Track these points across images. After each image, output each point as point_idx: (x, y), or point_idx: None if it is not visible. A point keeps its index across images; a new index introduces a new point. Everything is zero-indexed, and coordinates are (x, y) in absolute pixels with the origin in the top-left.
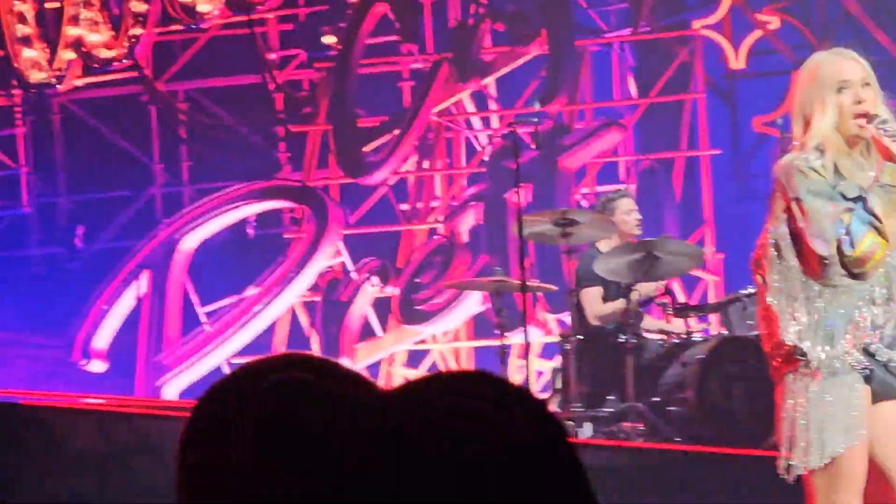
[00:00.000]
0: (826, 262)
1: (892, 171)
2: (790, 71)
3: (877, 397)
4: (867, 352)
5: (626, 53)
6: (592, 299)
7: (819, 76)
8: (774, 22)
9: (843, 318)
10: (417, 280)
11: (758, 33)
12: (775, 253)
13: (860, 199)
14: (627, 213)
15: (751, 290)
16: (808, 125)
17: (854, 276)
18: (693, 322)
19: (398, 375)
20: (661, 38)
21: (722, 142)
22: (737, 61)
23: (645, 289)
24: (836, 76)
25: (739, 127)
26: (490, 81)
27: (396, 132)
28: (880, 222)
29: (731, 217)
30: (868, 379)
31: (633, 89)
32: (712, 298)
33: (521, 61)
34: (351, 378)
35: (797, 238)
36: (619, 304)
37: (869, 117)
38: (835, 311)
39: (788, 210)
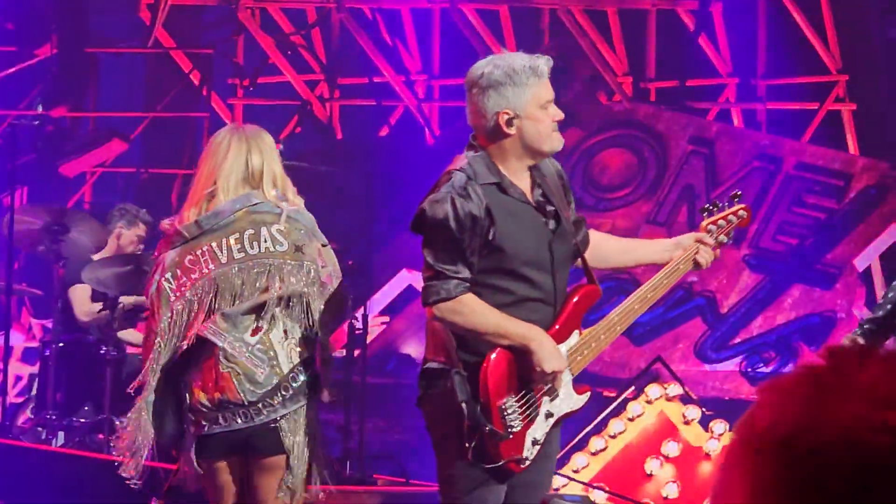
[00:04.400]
0: None
1: None
2: (298, 98)
3: None
4: None
5: (136, 66)
6: (82, 297)
7: None
8: (286, 49)
9: None
10: None
11: (268, 59)
12: None
13: None
14: (130, 228)
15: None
16: None
17: None
18: None
19: None
20: (173, 54)
21: None
22: (245, 84)
23: (130, 301)
24: None
25: None
26: None
27: None
28: None
29: None
30: None
31: (140, 102)
32: None
33: (29, 62)
34: None
35: None
36: (106, 312)
37: None
38: None
39: None
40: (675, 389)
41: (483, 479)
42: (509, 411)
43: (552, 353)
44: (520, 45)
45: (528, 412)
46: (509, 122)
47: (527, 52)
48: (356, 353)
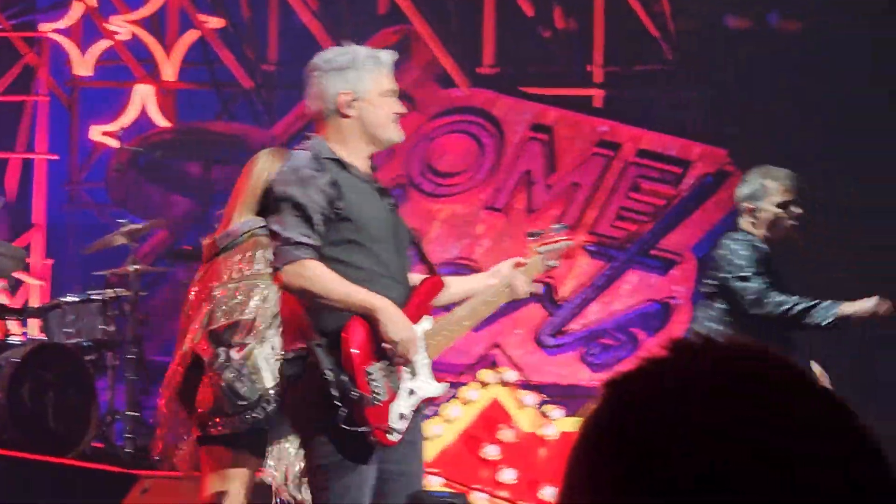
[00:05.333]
0: None
1: None
2: (134, 82)
3: None
4: None
5: None
6: None
7: None
8: (124, 33)
9: None
10: None
11: (106, 42)
12: None
13: None
14: None
15: (73, 297)
16: None
17: None
18: (12, 325)
19: None
20: (8, 38)
21: (59, 147)
22: (83, 68)
23: None
24: None
25: (78, 134)
26: None
27: None
28: None
29: (61, 223)
30: None
31: None
32: (35, 303)
33: None
34: None
35: None
36: None
37: None
38: None
39: None
40: (511, 375)
41: (353, 466)
42: (374, 376)
43: (399, 322)
44: (358, 30)
45: (391, 383)
46: (350, 104)
47: (365, 37)
48: None
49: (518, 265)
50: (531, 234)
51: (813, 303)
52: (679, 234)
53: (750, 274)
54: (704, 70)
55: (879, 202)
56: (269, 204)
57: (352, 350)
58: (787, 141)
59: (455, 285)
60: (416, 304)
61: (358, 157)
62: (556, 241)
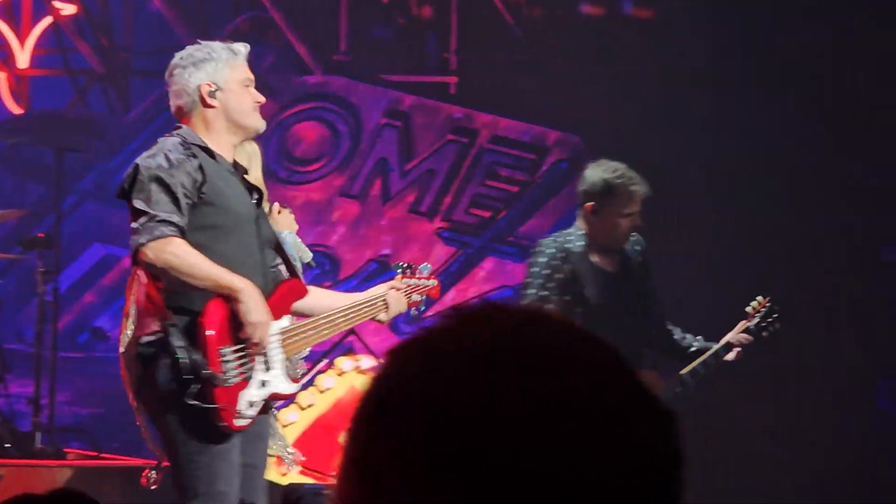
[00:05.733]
0: None
1: None
2: None
3: None
4: None
5: None
6: None
7: None
8: None
9: None
10: None
11: None
12: None
13: None
14: None
15: None
16: None
17: None
18: None
19: None
20: None
21: None
22: None
23: None
24: None
25: None
26: None
27: None
28: None
29: None
30: None
31: None
32: None
33: None
34: None
35: None
36: None
37: None
38: None
39: None
40: (368, 362)
41: (209, 445)
42: (227, 358)
43: (258, 305)
44: (213, 16)
45: (243, 369)
46: (212, 94)
47: (220, 24)
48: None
49: (393, 288)
50: (399, 268)
51: None
52: (535, 220)
53: (532, 294)
54: (559, 57)
55: (728, 189)
56: (134, 184)
57: (207, 329)
58: (639, 127)
59: (318, 296)
60: (274, 300)
61: (223, 147)
62: (422, 279)
